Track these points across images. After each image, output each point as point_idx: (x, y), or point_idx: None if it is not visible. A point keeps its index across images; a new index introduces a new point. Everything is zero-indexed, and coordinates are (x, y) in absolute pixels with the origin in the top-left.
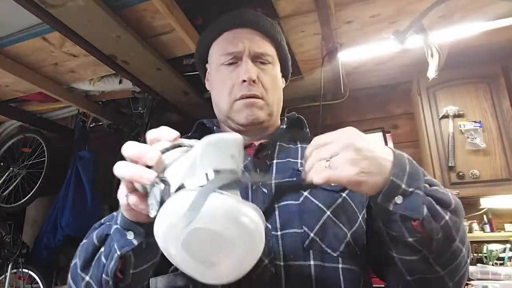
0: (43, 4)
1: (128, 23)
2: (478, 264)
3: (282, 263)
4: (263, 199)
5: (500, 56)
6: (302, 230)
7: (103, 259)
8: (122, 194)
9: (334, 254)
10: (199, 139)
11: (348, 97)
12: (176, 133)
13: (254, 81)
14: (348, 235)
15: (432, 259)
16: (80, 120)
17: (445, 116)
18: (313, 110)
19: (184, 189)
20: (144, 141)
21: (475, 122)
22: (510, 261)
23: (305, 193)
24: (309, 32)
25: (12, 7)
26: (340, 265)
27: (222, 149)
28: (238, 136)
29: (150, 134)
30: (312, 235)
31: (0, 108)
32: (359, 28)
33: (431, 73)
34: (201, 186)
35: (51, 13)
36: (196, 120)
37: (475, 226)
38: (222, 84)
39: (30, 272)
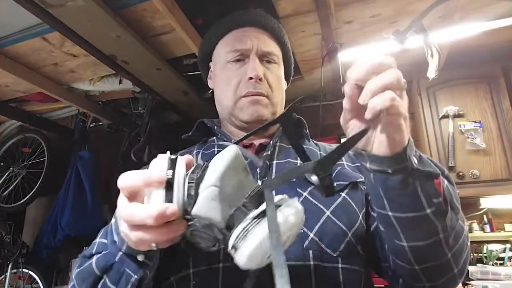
0: (43, 4)
1: (128, 23)
2: (478, 264)
3: None
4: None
5: (500, 56)
6: (302, 231)
7: (110, 285)
8: (127, 233)
9: (334, 254)
10: (200, 138)
11: None
12: (163, 173)
13: (260, 79)
14: (349, 235)
15: (443, 238)
16: (80, 120)
17: (445, 116)
18: (313, 110)
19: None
20: (144, 141)
21: (475, 122)
22: (510, 261)
23: (305, 194)
24: (309, 32)
25: (12, 7)
26: (340, 265)
27: (236, 168)
28: (235, 147)
29: (125, 183)
30: (311, 235)
31: (0, 108)
32: (359, 28)
33: (431, 73)
34: (261, 212)
35: (51, 13)
36: (196, 120)
37: (475, 226)
38: (227, 81)
39: (30, 272)
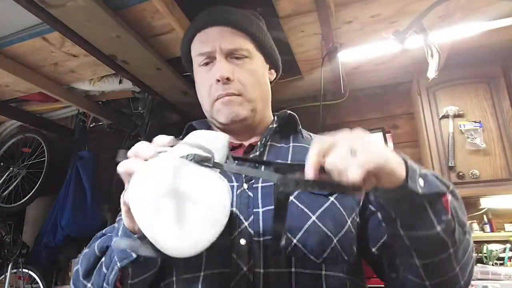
0: (43, 4)
1: (128, 23)
2: (478, 264)
3: (261, 271)
4: (247, 203)
5: (500, 56)
6: (286, 236)
7: (104, 269)
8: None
9: (317, 261)
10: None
11: (348, 97)
12: (169, 138)
13: (228, 79)
14: (334, 240)
15: (453, 253)
16: (80, 120)
17: (445, 116)
18: (313, 110)
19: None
20: (144, 141)
21: (475, 122)
22: (510, 261)
23: (291, 198)
24: (309, 32)
25: (12, 7)
26: (323, 272)
27: (207, 142)
28: (224, 134)
29: (139, 146)
30: (295, 241)
31: (0, 108)
32: (359, 28)
33: (431, 73)
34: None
35: (51, 13)
36: (196, 120)
37: (475, 226)
38: (201, 86)
39: (30, 272)
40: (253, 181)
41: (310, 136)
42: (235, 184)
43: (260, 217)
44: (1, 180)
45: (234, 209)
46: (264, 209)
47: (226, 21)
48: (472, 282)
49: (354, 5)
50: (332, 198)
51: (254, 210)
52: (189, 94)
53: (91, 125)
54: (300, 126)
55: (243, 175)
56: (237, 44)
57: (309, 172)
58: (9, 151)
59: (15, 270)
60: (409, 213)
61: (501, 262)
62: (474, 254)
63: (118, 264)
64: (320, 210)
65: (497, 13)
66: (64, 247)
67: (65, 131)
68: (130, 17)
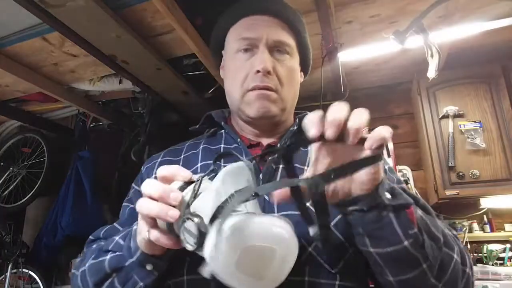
0: (43, 4)
1: (128, 23)
2: (478, 264)
3: None
4: (263, 206)
5: (500, 56)
6: (300, 244)
7: (117, 285)
8: (143, 230)
9: (333, 271)
10: (207, 131)
11: (348, 97)
12: (189, 173)
13: (269, 72)
14: (350, 250)
15: (427, 268)
16: (80, 120)
17: (445, 116)
18: (313, 110)
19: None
20: (144, 141)
21: (475, 122)
22: (510, 261)
23: (307, 204)
24: (309, 32)
25: (12, 7)
26: (337, 282)
27: (238, 176)
28: (247, 162)
29: (163, 171)
30: (310, 249)
31: (0, 108)
32: (359, 28)
33: (431, 73)
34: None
35: (51, 13)
36: (196, 120)
37: (475, 226)
38: (235, 73)
39: (30, 272)
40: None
41: None
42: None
43: None
44: (1, 180)
45: None
46: (280, 214)
47: (278, 13)
48: None
49: (354, 5)
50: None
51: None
52: (189, 94)
53: (91, 125)
54: None
55: (260, 177)
56: (284, 38)
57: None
58: (9, 151)
59: (15, 270)
60: (376, 226)
61: (501, 262)
62: (469, 269)
63: (141, 284)
64: (336, 219)
65: (497, 13)
66: (64, 247)
67: (65, 131)
68: (130, 17)
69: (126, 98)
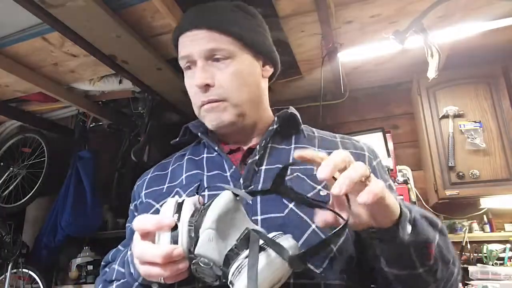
0: (43, 4)
1: (128, 23)
2: (478, 264)
3: None
4: (247, 210)
5: (500, 56)
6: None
7: None
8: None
9: (317, 271)
10: (189, 144)
11: (348, 97)
12: (172, 219)
13: (208, 85)
14: (334, 249)
15: (434, 285)
16: (80, 120)
17: (445, 116)
18: (313, 110)
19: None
20: (144, 141)
21: (475, 122)
22: (510, 261)
23: (291, 205)
24: (309, 32)
25: (12, 7)
26: (322, 282)
27: (230, 213)
28: (227, 192)
29: (141, 226)
30: None
31: (0, 108)
32: (359, 28)
33: (431, 73)
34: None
35: (51, 13)
36: (196, 119)
37: (475, 226)
38: (188, 91)
39: (30, 272)
40: (252, 187)
41: (314, 133)
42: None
43: (259, 225)
44: (1, 180)
45: None
46: (263, 216)
47: (201, 23)
48: (472, 282)
49: (354, 5)
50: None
51: (253, 217)
52: None
53: (91, 125)
54: (302, 126)
55: (241, 182)
56: (213, 45)
57: (324, 173)
58: (9, 151)
59: (15, 270)
60: (394, 256)
61: (501, 262)
62: (459, 279)
63: None
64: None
65: (497, 13)
66: (64, 247)
67: (65, 131)
68: (130, 17)
69: (126, 98)
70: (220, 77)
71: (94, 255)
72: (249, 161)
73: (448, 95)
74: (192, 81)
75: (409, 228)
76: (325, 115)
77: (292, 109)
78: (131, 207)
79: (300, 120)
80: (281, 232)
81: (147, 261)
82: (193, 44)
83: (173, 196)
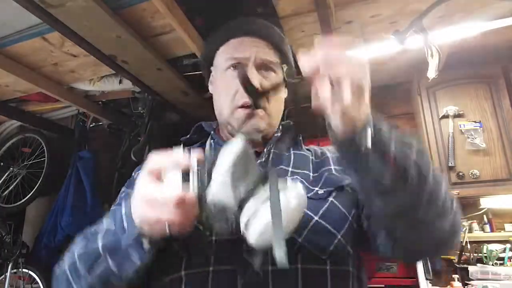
0: (43, 4)
1: (128, 23)
2: (478, 264)
3: (270, 268)
4: None
5: (500, 56)
6: (291, 236)
7: (113, 268)
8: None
9: (323, 257)
10: (197, 141)
11: None
12: (189, 160)
13: (257, 90)
14: (338, 236)
15: (414, 202)
16: (80, 120)
17: (445, 116)
18: (313, 110)
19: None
20: (144, 141)
21: (475, 122)
22: (510, 261)
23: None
24: (309, 32)
25: (12, 7)
26: (328, 267)
27: (243, 159)
28: (241, 138)
29: (157, 162)
30: (300, 240)
31: (0, 108)
32: (359, 28)
33: (431, 73)
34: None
35: (51, 13)
36: (196, 120)
37: (475, 226)
38: (225, 89)
39: (30, 272)
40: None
41: (310, 150)
42: None
43: None
44: (1, 180)
45: None
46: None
47: (264, 35)
48: (472, 282)
49: (354, 5)
50: (330, 198)
51: None
52: (189, 94)
53: (91, 125)
54: (300, 137)
55: None
56: (269, 57)
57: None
58: (9, 151)
59: (15, 270)
60: (352, 158)
61: (501, 262)
62: (456, 211)
63: (138, 262)
64: (321, 211)
65: (497, 13)
66: (64, 247)
67: (65, 131)
68: (130, 17)
69: (126, 98)
70: (265, 86)
71: None
72: (257, 162)
73: (448, 95)
74: (236, 80)
75: (368, 141)
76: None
77: (292, 123)
78: (124, 191)
79: (299, 134)
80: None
81: (157, 201)
82: (251, 49)
83: None
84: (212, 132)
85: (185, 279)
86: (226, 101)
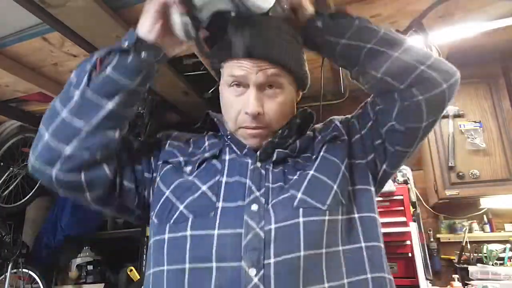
0: (43, 4)
1: (128, 23)
2: (478, 264)
3: (272, 226)
4: (260, 178)
5: (500, 56)
6: (290, 194)
7: (112, 72)
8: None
9: (323, 208)
10: (208, 131)
11: (348, 97)
12: None
13: (258, 113)
14: (334, 187)
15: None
16: None
17: (445, 116)
18: (313, 110)
19: None
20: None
21: (475, 122)
22: (510, 261)
23: (290, 162)
24: None
25: (12, 7)
26: (326, 217)
27: None
28: None
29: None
30: (299, 195)
31: (0, 108)
32: None
33: None
34: None
35: (51, 13)
36: (196, 120)
37: (475, 226)
38: (229, 105)
39: (30, 272)
40: (265, 162)
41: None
42: (249, 161)
43: (270, 190)
44: (1, 180)
45: (247, 180)
46: (274, 185)
47: (264, 55)
48: (472, 282)
49: (354, 5)
50: (321, 153)
51: (266, 184)
52: (189, 94)
53: None
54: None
55: (258, 155)
56: (272, 78)
57: None
58: (9, 151)
59: (15, 270)
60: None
61: (501, 262)
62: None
63: (154, 59)
64: (315, 165)
65: (497, 13)
66: (64, 247)
67: None
68: (130, 17)
69: None
70: (269, 106)
71: (94, 255)
72: (264, 142)
73: None
74: (238, 100)
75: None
76: (325, 115)
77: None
78: (153, 141)
79: (314, 120)
80: None
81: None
82: (252, 70)
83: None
84: (229, 136)
85: (189, 239)
86: (230, 118)
